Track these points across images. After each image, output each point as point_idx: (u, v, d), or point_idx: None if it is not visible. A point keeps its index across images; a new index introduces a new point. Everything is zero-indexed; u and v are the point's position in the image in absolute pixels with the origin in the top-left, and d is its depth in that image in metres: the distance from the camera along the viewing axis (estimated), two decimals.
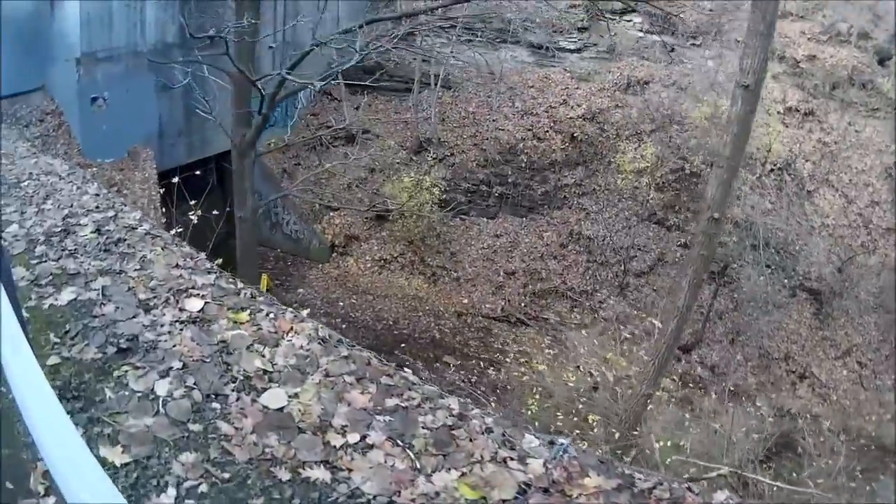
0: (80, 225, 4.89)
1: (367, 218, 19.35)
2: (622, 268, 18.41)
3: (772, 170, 19.05)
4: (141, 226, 4.97)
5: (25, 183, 6.28)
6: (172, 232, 6.67)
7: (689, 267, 10.74)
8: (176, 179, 10.90)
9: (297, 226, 19.44)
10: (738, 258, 17.98)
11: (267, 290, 15.93)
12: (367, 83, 18.01)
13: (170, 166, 16.69)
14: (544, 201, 19.12)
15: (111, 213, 5.22)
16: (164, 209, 15.86)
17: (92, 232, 4.72)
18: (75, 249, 4.42)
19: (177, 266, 4.23)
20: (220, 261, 5.55)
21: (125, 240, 4.62)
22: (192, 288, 3.88)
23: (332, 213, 19.49)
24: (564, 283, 18.26)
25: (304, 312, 4.42)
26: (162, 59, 16.32)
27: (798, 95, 19.61)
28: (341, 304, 17.90)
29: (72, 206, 5.41)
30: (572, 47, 19.72)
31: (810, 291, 18.48)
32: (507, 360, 16.76)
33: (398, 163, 19.63)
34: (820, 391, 17.59)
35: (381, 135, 20.24)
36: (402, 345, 16.82)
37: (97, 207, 5.40)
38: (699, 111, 17.79)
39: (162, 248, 4.53)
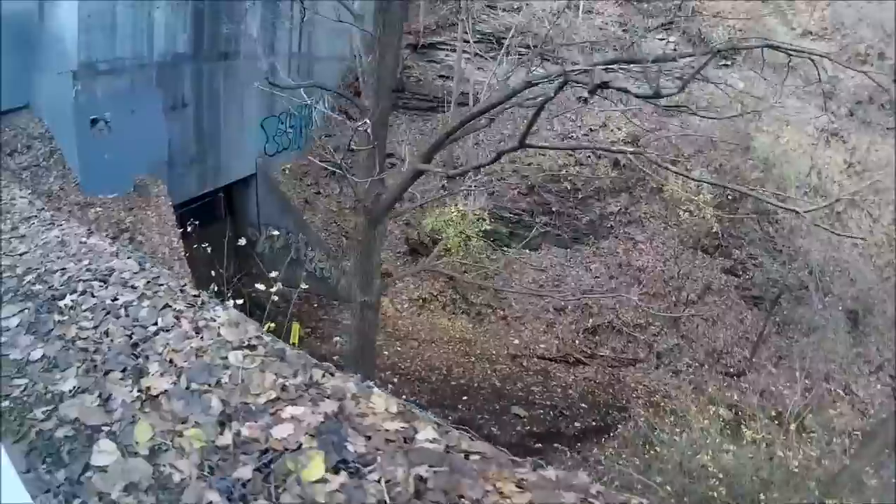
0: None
1: (399, 252, 17.77)
2: (674, 299, 17.75)
3: (805, 192, 18.92)
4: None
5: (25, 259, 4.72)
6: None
7: None
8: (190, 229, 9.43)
9: (323, 263, 17.55)
10: (793, 287, 17.73)
11: (299, 340, 14.20)
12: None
13: (179, 201, 14.72)
14: (589, 231, 18.14)
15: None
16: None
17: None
18: None
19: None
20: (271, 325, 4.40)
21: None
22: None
23: None
24: (618, 318, 17.39)
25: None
26: (171, 71, 14.05)
27: (824, 117, 19.57)
28: (386, 352, 16.29)
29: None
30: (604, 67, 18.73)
31: (846, 311, 18.60)
32: (582, 406, 15.77)
33: (428, 190, 18.12)
34: (859, 407, 17.70)
35: (405, 158, 18.60)
36: (464, 397, 15.50)
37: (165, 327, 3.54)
38: (760, 140, 17.28)
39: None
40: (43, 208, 6.29)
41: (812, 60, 6.79)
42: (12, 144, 11.73)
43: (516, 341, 17.04)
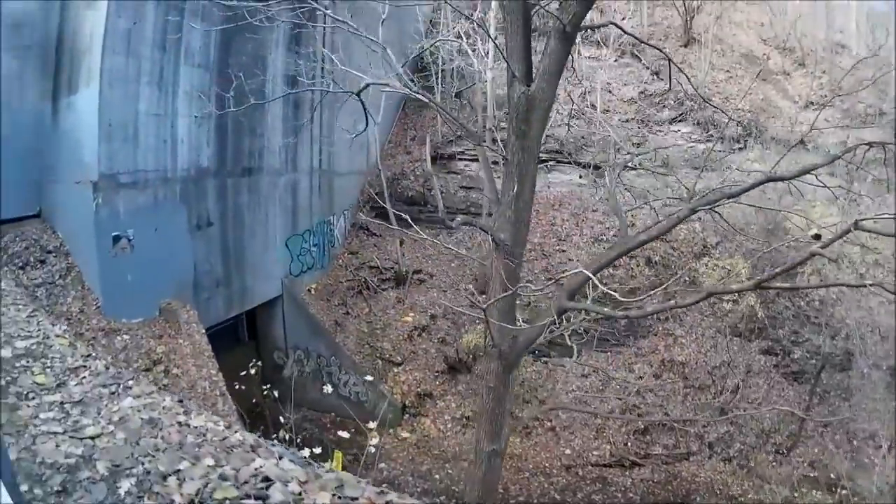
0: None
1: (438, 372, 17.31)
2: (719, 388, 17.46)
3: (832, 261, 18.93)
4: None
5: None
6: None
7: None
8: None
9: (358, 387, 16.98)
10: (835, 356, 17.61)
11: (342, 468, 13.58)
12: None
13: (206, 326, 13.88)
14: (628, 332, 17.91)
15: None
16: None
17: None
18: None
19: None
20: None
21: None
22: None
23: (396, 370, 17.29)
24: (667, 415, 17.01)
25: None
26: (195, 186, 13.56)
27: (832, 182, 19.76)
28: (437, 476, 15.72)
29: None
30: (628, 164, 18.90)
31: (888, 369, 18.46)
32: None
33: (461, 307, 17.79)
34: None
35: (434, 274, 18.37)
36: None
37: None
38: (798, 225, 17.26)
39: None
40: (90, 354, 5.51)
41: None
42: (24, 257, 10.94)
43: (568, 451, 16.53)
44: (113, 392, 4.52)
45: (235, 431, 3.97)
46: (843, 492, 15.65)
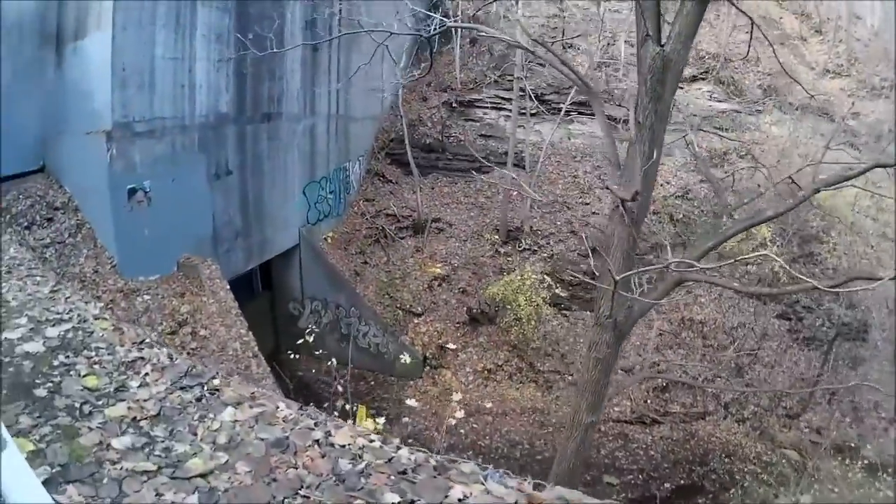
0: None
1: (459, 323, 16.94)
2: (736, 349, 17.58)
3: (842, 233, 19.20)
4: None
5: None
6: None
7: None
8: None
9: (378, 338, 16.47)
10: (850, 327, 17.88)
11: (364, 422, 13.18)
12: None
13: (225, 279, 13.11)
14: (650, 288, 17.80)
15: None
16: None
17: None
18: None
19: None
20: None
21: None
22: None
23: (416, 321, 16.85)
24: (685, 373, 17.06)
25: None
26: (214, 134, 12.64)
27: (847, 155, 19.97)
28: (462, 430, 15.44)
29: None
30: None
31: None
32: (665, 466, 15.36)
33: (483, 257, 17.41)
34: None
35: (453, 223, 17.87)
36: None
37: None
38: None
39: None
40: (144, 340, 4.42)
41: None
42: (29, 216, 9.95)
43: None
44: (199, 398, 3.54)
45: (399, 447, 3.15)
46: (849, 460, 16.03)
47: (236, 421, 3.25)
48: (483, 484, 2.87)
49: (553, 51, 10.13)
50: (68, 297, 5.52)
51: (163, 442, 3.00)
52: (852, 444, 17.04)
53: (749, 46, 11.92)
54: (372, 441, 3.20)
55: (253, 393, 3.67)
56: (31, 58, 10.02)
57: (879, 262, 18.40)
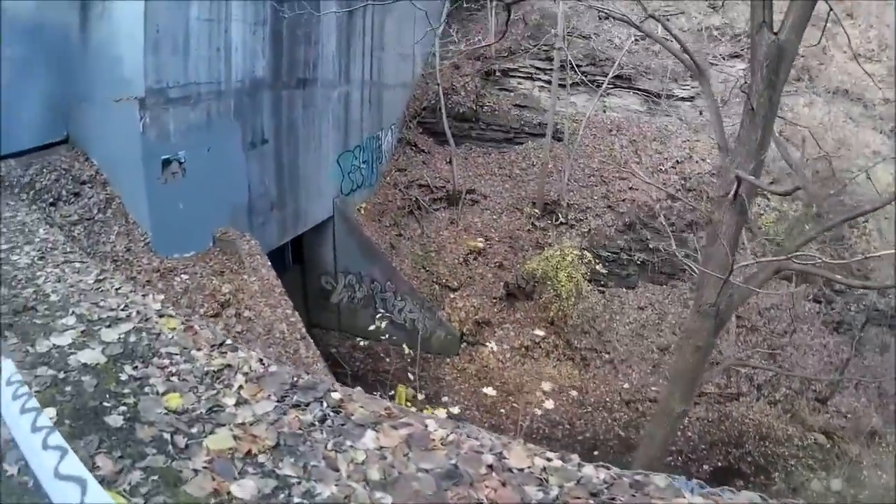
0: None
1: (496, 298, 16.53)
2: (769, 330, 17.50)
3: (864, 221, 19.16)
4: None
5: None
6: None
7: None
8: None
9: (414, 314, 15.99)
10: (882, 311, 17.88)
11: (406, 404, 12.77)
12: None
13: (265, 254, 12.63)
14: (685, 266, 17.58)
15: None
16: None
17: None
18: None
19: None
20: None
21: None
22: None
23: (452, 295, 16.41)
24: (720, 353, 16.92)
25: None
26: (249, 101, 11.97)
27: (878, 139, 19.90)
28: (503, 410, 15.15)
29: None
30: (685, 94, 18.24)
31: None
32: (703, 447, 15.32)
33: (520, 230, 16.99)
34: None
35: (488, 195, 17.39)
36: (595, 453, 14.63)
37: None
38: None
39: None
40: (223, 342, 3.65)
41: None
42: (54, 191, 9.27)
43: (626, 385, 16.22)
44: (322, 418, 2.85)
45: (581, 464, 2.73)
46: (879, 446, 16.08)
47: (383, 447, 2.64)
48: (685, 498, 2.49)
49: (668, 27, 9.66)
50: (118, 289, 4.67)
51: (299, 483, 2.37)
52: (878, 430, 17.22)
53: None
54: (550, 460, 2.73)
55: (388, 408, 3.00)
56: (52, 22, 9.24)
57: None
